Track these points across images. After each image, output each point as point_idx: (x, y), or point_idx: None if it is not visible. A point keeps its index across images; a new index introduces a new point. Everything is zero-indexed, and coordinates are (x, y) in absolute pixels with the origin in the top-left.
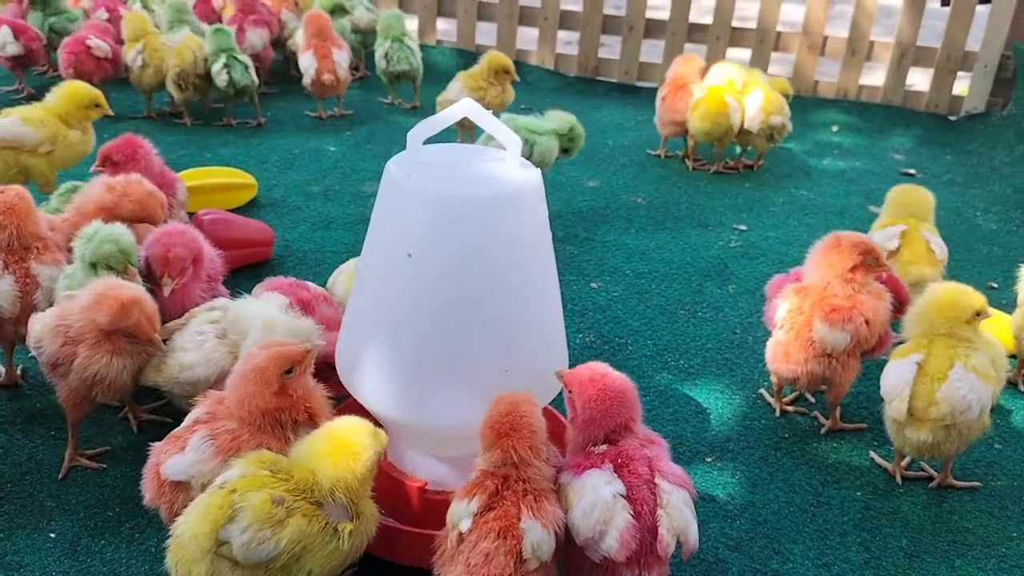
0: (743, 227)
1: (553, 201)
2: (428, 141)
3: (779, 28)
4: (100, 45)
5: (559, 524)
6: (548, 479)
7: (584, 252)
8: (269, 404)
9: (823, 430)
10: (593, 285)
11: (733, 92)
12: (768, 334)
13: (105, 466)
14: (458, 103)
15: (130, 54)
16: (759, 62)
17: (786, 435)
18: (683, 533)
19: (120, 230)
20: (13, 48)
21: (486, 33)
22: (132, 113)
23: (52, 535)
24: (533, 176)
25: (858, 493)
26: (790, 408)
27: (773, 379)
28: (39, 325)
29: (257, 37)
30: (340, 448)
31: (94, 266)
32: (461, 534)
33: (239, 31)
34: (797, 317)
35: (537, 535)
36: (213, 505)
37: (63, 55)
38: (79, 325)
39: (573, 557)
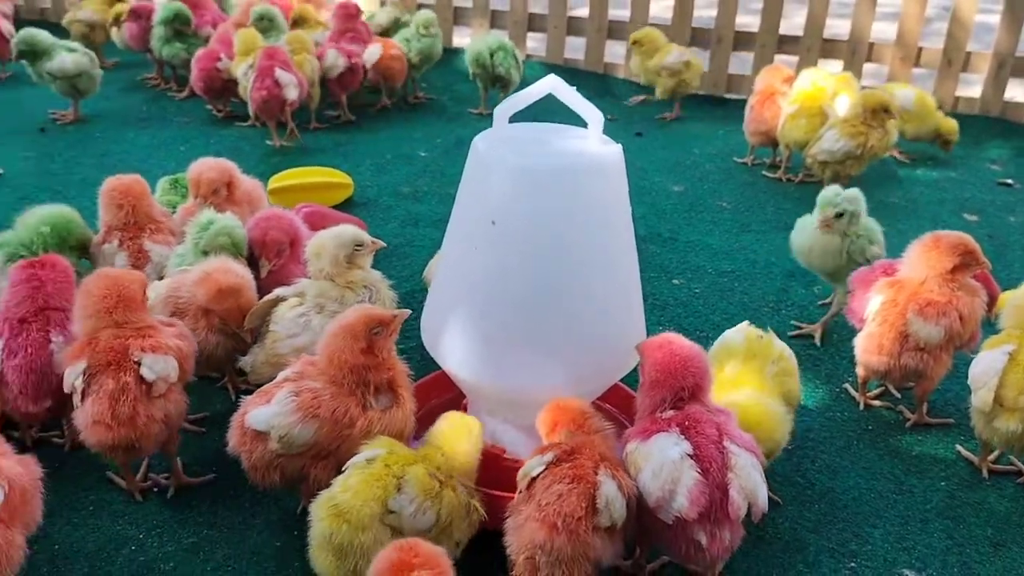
0: None
1: (637, 204)
2: None
3: (871, 39)
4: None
5: (632, 493)
6: (614, 451)
7: (666, 251)
8: (356, 360)
9: (908, 423)
10: (675, 281)
11: (826, 99)
12: (854, 332)
13: (204, 430)
14: (542, 79)
15: (240, 68)
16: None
17: (869, 427)
18: (752, 495)
19: (233, 223)
20: None
21: (575, 48)
22: (239, 121)
23: (155, 490)
24: (614, 151)
25: (942, 483)
26: (875, 402)
27: (859, 371)
28: (153, 294)
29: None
30: (462, 433)
31: (205, 253)
32: (533, 479)
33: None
34: (891, 310)
35: (611, 490)
36: (377, 475)
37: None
38: (186, 298)
39: (647, 524)
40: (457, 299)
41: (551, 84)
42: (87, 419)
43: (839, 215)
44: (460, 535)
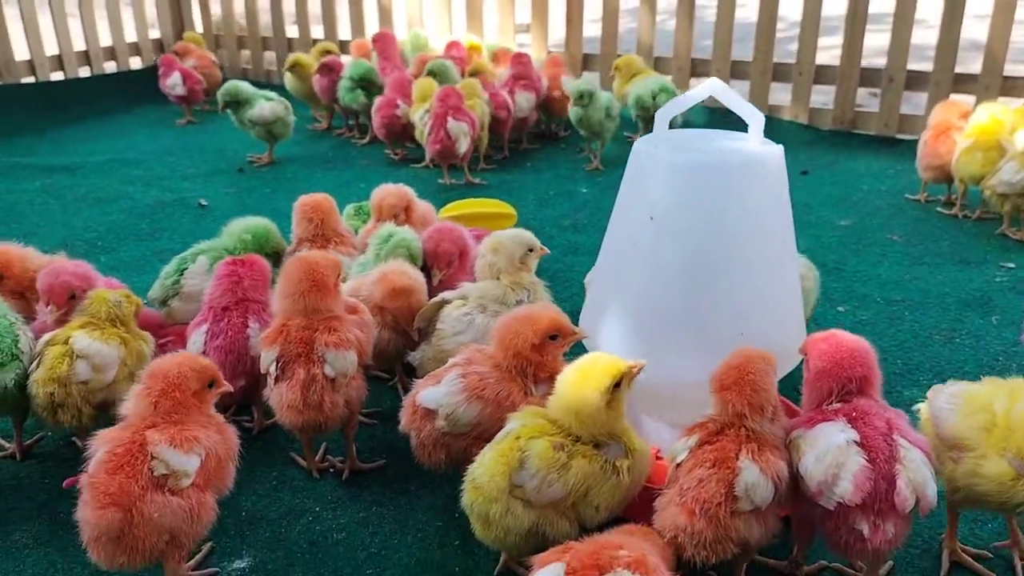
0: (1011, 265)
1: (800, 236)
2: None
3: None
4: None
5: (780, 475)
6: (774, 435)
7: (831, 280)
8: (525, 352)
9: None
10: (840, 309)
11: (1004, 133)
12: None
13: (376, 422)
14: (705, 83)
15: (418, 113)
16: None
17: None
18: (921, 488)
19: (411, 235)
20: (181, 90)
21: (738, 91)
22: (413, 163)
23: (331, 470)
24: (774, 151)
25: None
26: None
27: None
28: None
29: (525, 100)
30: (576, 382)
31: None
32: (678, 465)
33: (510, 94)
34: None
35: (753, 476)
36: (504, 451)
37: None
38: (364, 295)
39: (807, 512)
40: (615, 297)
41: (712, 87)
42: (282, 402)
43: None
44: (601, 499)
